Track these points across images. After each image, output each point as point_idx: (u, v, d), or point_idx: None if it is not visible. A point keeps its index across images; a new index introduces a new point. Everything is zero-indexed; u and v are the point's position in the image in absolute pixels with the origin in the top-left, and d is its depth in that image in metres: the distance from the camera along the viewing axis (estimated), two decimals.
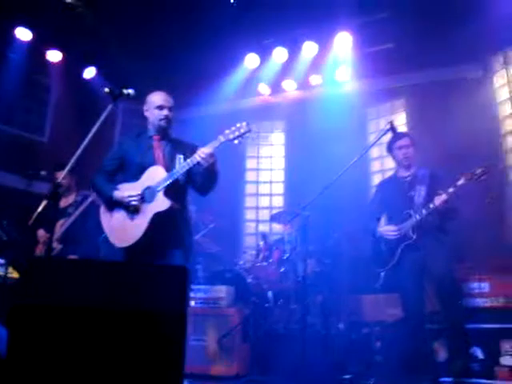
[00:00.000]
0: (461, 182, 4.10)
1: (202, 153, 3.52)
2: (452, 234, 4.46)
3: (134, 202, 3.60)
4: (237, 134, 3.53)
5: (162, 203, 3.57)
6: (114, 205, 3.71)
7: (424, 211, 4.28)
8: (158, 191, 3.59)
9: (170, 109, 3.87)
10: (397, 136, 4.65)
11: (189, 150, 3.78)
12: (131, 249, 3.59)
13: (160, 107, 3.86)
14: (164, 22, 7.22)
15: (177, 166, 3.69)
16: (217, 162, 3.61)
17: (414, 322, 4.33)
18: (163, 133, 3.90)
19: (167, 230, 3.63)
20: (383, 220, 4.65)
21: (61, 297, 1.95)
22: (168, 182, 3.58)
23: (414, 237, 4.34)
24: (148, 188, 3.64)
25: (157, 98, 3.89)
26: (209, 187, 3.79)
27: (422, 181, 4.51)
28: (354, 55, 7.59)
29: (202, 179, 3.73)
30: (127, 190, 3.65)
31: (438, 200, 4.19)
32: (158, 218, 3.57)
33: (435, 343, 4.58)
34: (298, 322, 5.52)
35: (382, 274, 4.56)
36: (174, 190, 3.64)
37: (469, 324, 4.52)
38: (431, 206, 4.23)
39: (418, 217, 4.32)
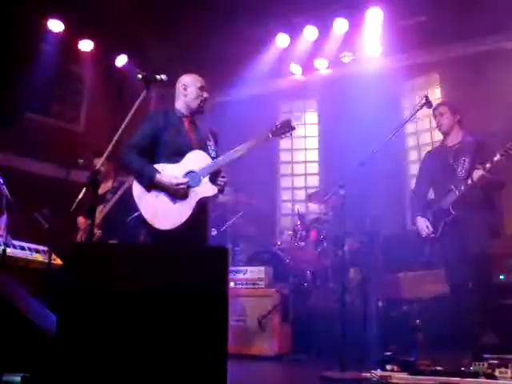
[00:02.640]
0: (496, 157, 4.01)
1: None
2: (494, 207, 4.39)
3: (181, 187, 3.56)
4: (283, 131, 3.67)
5: (209, 189, 3.60)
6: (153, 186, 3.60)
7: (463, 187, 4.21)
8: (204, 177, 3.60)
9: (207, 91, 3.90)
10: (436, 104, 4.64)
11: (214, 138, 3.82)
12: (169, 232, 3.53)
13: (202, 88, 3.86)
14: (193, 6, 7.21)
15: (211, 152, 3.72)
16: None
17: (458, 295, 4.29)
18: (194, 115, 3.90)
19: (203, 216, 3.68)
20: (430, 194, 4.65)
21: (105, 280, 2.00)
22: (213, 169, 3.61)
23: (454, 213, 4.27)
24: (191, 172, 3.62)
25: (198, 78, 3.90)
26: None
27: (466, 151, 4.40)
28: (386, 30, 7.43)
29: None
30: (170, 174, 3.59)
31: (476, 175, 4.11)
32: (201, 203, 3.61)
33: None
34: (336, 300, 5.53)
35: (427, 248, 4.53)
36: (210, 178, 3.66)
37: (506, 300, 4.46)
38: (469, 181, 4.16)
39: (457, 193, 4.25)
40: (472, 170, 4.19)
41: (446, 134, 4.60)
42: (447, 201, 4.33)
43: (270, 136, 3.65)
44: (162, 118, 3.81)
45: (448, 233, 4.36)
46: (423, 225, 4.50)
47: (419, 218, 4.56)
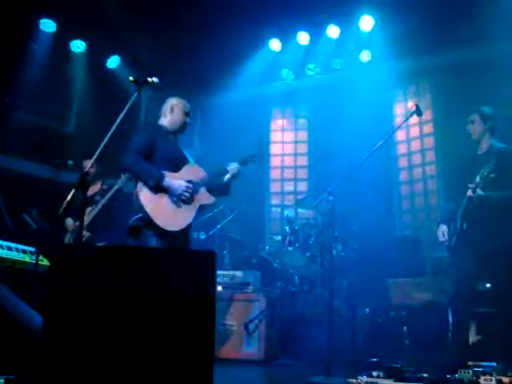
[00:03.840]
0: (477, 180, 4.01)
1: (236, 168, 4.24)
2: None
3: (186, 194, 3.87)
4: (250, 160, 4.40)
5: (208, 197, 4.11)
6: (160, 189, 3.82)
7: (464, 201, 4.18)
8: (202, 187, 4.05)
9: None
10: (467, 112, 4.61)
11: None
12: (176, 233, 3.83)
13: (188, 114, 4.23)
14: (186, 9, 7.21)
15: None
16: None
17: (462, 301, 4.31)
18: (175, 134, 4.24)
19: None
20: None
21: (91, 282, 1.99)
22: (211, 182, 4.13)
23: (459, 227, 4.25)
24: (190, 181, 3.93)
25: (186, 104, 4.25)
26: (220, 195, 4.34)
27: (490, 160, 4.19)
28: (377, 37, 7.48)
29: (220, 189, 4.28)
30: (176, 179, 3.88)
31: (468, 195, 4.11)
32: (200, 209, 4.03)
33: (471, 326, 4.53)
34: (324, 306, 5.54)
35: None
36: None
37: None
38: (464, 200, 4.16)
39: (462, 207, 4.22)
40: (488, 182, 4.06)
41: (478, 142, 4.52)
42: (459, 213, 4.30)
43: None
44: (155, 131, 4.09)
45: (459, 245, 4.33)
46: (440, 231, 4.49)
47: (441, 224, 4.54)
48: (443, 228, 4.48)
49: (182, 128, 4.22)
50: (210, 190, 4.15)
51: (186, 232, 3.95)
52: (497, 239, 4.11)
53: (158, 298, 1.95)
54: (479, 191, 4.05)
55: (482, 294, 4.60)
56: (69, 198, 2.88)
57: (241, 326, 5.21)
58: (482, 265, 4.26)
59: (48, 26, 7.42)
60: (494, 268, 4.23)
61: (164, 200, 3.84)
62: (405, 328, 5.41)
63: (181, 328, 1.93)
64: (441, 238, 4.48)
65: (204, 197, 4.07)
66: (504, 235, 4.14)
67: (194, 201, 3.96)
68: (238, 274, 5.58)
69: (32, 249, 5.30)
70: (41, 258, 5.21)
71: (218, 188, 4.25)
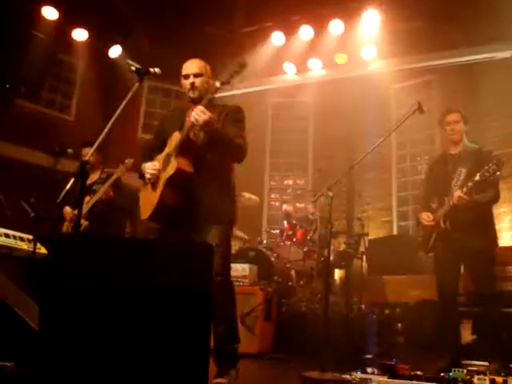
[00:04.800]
0: (477, 178, 3.94)
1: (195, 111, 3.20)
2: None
3: (147, 175, 3.40)
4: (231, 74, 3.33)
5: (170, 168, 3.28)
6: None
7: (450, 203, 4.14)
8: (171, 156, 3.33)
9: (196, 75, 3.52)
10: (447, 110, 4.52)
11: (224, 112, 3.51)
12: (163, 222, 3.47)
13: (185, 76, 3.56)
14: (188, 2, 7.21)
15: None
16: (215, 124, 3.27)
17: (447, 301, 4.27)
18: (197, 102, 3.48)
19: (191, 200, 3.34)
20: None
21: (89, 272, 1.99)
22: (178, 144, 3.32)
23: (443, 226, 4.22)
24: (167, 155, 3.39)
25: (183, 66, 3.60)
26: (229, 154, 3.45)
27: (465, 161, 4.28)
28: (382, 33, 7.45)
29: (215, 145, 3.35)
30: (151, 162, 3.44)
31: (455, 196, 4.06)
32: (172, 185, 3.29)
33: (462, 325, 4.55)
34: (320, 301, 5.55)
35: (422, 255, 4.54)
36: (191, 155, 3.36)
37: (505, 308, 4.49)
38: (451, 201, 4.12)
39: (446, 208, 4.19)
40: (467, 183, 4.06)
41: (456, 142, 4.44)
42: (439, 213, 4.27)
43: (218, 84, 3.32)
44: (170, 117, 3.72)
45: (440, 245, 4.31)
46: (425, 215, 4.38)
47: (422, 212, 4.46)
48: (426, 213, 4.40)
49: (190, 95, 3.51)
50: (197, 153, 3.33)
51: (184, 220, 3.33)
52: (481, 240, 4.15)
53: (154, 290, 1.95)
54: (476, 196, 4.06)
55: (467, 294, 4.65)
56: (68, 186, 2.87)
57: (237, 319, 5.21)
58: (464, 264, 4.30)
59: (50, 13, 7.38)
60: (475, 269, 4.25)
61: (144, 188, 3.50)
62: (399, 325, 5.44)
63: (177, 320, 1.93)
64: (428, 219, 4.34)
65: (167, 169, 3.29)
66: (487, 237, 4.22)
67: (160, 180, 3.33)
68: (235, 267, 5.57)
69: (30, 236, 5.31)
70: (38, 245, 5.21)
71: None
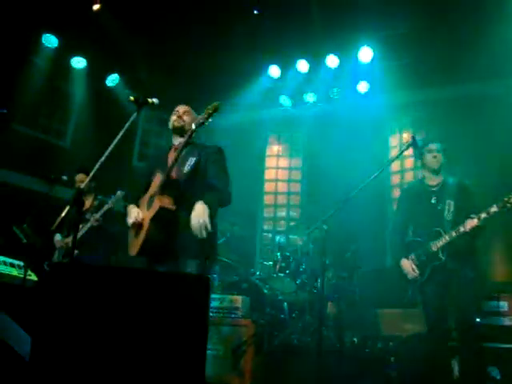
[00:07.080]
0: (493, 209, 3.96)
1: None
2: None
3: (130, 220, 3.59)
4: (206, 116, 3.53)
5: (153, 208, 3.46)
6: None
7: (454, 233, 4.14)
8: (154, 196, 3.50)
9: (183, 112, 3.84)
10: (429, 139, 4.62)
11: (205, 152, 3.70)
12: (151, 256, 3.59)
13: (173, 113, 3.86)
14: (187, 32, 7.30)
15: (185, 167, 3.58)
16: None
17: (437, 337, 4.24)
18: (180, 136, 3.77)
19: (174, 235, 3.47)
20: (410, 234, 4.58)
21: (84, 303, 1.97)
22: (160, 185, 3.47)
23: (443, 258, 4.20)
24: (150, 196, 3.59)
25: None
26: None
27: (449, 193, 4.35)
28: (376, 69, 7.58)
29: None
30: (134, 207, 3.66)
31: (470, 225, 4.05)
32: (156, 223, 3.45)
33: (453, 360, 4.51)
34: (312, 334, 5.50)
35: (411, 289, 4.50)
36: (173, 193, 3.50)
37: (487, 343, 4.46)
38: (461, 229, 4.10)
39: (447, 238, 4.18)
40: (459, 214, 4.14)
41: (437, 172, 4.48)
42: (436, 245, 4.25)
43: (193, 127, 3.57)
44: (155, 156, 4.10)
45: (435, 278, 4.28)
46: (409, 267, 4.37)
47: (404, 260, 4.44)
48: (411, 264, 4.39)
49: (175, 125, 3.80)
50: (180, 192, 3.51)
51: (164, 255, 3.49)
52: (475, 270, 4.23)
53: (150, 322, 1.93)
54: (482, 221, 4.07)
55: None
56: (63, 214, 2.86)
57: (228, 352, 5.14)
58: (455, 296, 4.25)
59: (50, 40, 7.47)
60: (464, 299, 4.22)
61: (130, 229, 3.73)
62: (392, 359, 5.38)
63: (173, 353, 1.91)
64: (412, 273, 4.35)
65: (150, 210, 3.49)
66: (478, 265, 4.41)
67: (144, 219, 3.52)
68: (228, 298, 5.53)
69: (20, 263, 5.26)
70: (29, 272, 5.16)
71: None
